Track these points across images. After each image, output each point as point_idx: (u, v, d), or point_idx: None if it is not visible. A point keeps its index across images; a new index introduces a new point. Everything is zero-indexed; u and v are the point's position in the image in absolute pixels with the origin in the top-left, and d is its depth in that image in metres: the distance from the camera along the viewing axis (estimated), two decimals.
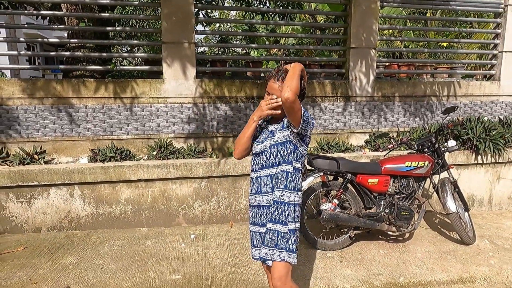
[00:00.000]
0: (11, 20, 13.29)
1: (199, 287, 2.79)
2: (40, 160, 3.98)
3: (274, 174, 1.94)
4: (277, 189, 1.94)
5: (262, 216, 1.99)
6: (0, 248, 3.33)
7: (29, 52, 3.74)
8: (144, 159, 4.17)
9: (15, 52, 4.55)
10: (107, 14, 4.24)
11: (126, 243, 3.54)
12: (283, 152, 1.92)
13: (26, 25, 4.48)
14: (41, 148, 4.08)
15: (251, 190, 2.05)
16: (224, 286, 2.80)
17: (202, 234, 3.80)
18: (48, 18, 4.98)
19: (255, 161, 2.02)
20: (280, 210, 1.93)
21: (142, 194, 3.96)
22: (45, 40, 3.98)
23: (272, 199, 1.94)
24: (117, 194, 3.91)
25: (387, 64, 6.27)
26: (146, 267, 3.06)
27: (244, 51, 10.93)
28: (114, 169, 3.83)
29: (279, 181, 1.93)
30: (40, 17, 4.94)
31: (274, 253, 1.93)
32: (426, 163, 3.52)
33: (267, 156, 1.94)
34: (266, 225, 1.96)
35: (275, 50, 11.68)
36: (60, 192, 3.80)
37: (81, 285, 2.75)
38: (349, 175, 3.39)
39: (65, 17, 4.64)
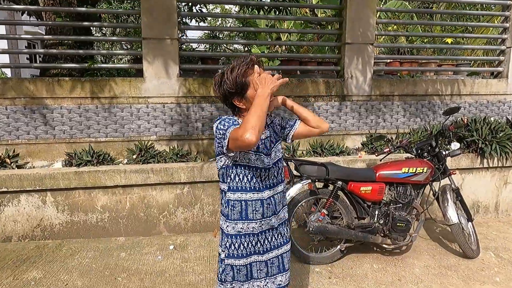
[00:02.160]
0: (11, 17, 13.13)
1: None
2: (12, 164, 3.74)
3: (283, 191, 1.78)
4: (285, 206, 1.82)
5: (274, 239, 1.74)
6: None
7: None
8: (123, 163, 3.91)
9: None
10: (83, 9, 3.97)
11: (99, 255, 3.28)
12: (281, 165, 1.77)
13: None
14: (14, 151, 3.84)
15: (262, 215, 1.65)
16: None
17: (183, 244, 3.54)
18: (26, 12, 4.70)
19: (262, 178, 1.65)
20: (287, 228, 1.83)
21: (120, 200, 3.70)
22: (16, 36, 3.77)
23: (284, 217, 1.80)
24: (92, 201, 3.66)
25: (388, 61, 5.97)
26: (114, 284, 2.79)
27: (245, 48, 10.64)
28: (89, 174, 3.57)
29: (285, 197, 1.82)
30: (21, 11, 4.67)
31: (287, 275, 1.79)
32: (425, 169, 3.21)
33: (277, 170, 1.72)
34: (279, 249, 1.75)
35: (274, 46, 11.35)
36: (31, 199, 3.55)
37: None
38: (339, 182, 3.09)
39: (42, 12, 4.39)
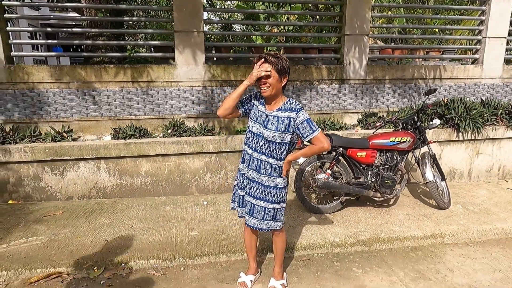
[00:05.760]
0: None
1: (213, 241, 3.36)
2: (68, 138, 4.49)
3: (272, 165, 2.47)
4: (272, 177, 2.54)
5: (256, 190, 2.50)
6: (42, 212, 3.90)
7: (55, 41, 4.08)
8: (160, 137, 4.69)
9: (43, 41, 4.97)
10: (124, 6, 4.66)
11: (149, 208, 4.11)
12: (277, 147, 2.49)
13: (52, 16, 4.87)
14: (68, 127, 4.59)
15: (248, 165, 2.49)
16: (233, 240, 3.37)
17: (213, 201, 4.37)
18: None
19: (254, 141, 2.44)
20: (274, 197, 2.56)
21: (160, 167, 4.50)
22: (68, 30, 4.45)
23: (266, 183, 2.55)
24: (137, 167, 4.45)
25: (382, 48, 6.72)
26: (168, 226, 3.63)
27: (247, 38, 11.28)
28: (135, 145, 4.36)
29: (275, 171, 2.54)
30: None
31: (261, 223, 2.57)
32: (408, 138, 4.04)
33: (270, 146, 2.44)
34: (258, 201, 2.54)
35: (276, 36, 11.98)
36: (88, 166, 4.34)
37: (117, 239, 3.32)
38: (340, 149, 3.92)
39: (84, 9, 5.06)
